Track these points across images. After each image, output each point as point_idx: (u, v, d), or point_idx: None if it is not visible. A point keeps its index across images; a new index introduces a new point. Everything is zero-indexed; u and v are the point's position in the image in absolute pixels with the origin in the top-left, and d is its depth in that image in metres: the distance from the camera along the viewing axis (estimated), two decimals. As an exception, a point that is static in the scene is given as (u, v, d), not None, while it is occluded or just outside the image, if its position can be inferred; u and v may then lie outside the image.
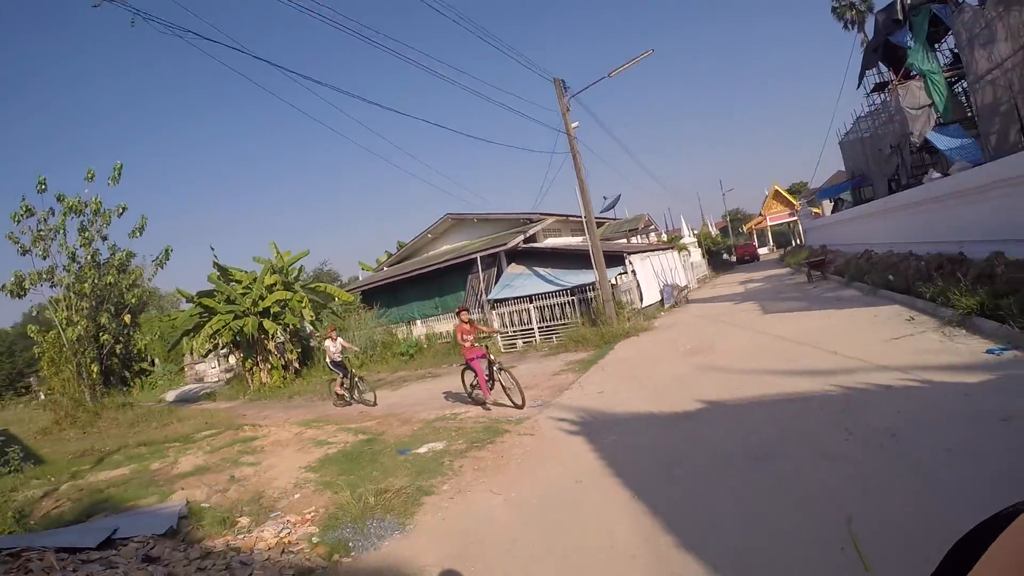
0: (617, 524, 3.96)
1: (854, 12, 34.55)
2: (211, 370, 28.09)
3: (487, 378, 8.46)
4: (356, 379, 12.07)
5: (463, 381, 9.27)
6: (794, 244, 47.85)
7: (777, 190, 53.90)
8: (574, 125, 14.58)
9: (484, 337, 11.10)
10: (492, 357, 8.52)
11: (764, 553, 3.20)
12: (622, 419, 6.62)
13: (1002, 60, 13.62)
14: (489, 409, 8.41)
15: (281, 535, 4.75)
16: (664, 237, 37.83)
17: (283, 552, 4.44)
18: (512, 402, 8.23)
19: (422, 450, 6.60)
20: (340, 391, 12.19)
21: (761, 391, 6.44)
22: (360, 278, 29.44)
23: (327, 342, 12.26)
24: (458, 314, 8.89)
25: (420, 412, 9.26)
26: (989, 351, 6.28)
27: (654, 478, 4.65)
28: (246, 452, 8.35)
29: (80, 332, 16.45)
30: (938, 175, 15.70)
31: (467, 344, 8.56)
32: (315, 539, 4.57)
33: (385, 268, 24.35)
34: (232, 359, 24.42)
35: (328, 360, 12.49)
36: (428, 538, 4.33)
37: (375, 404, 11.14)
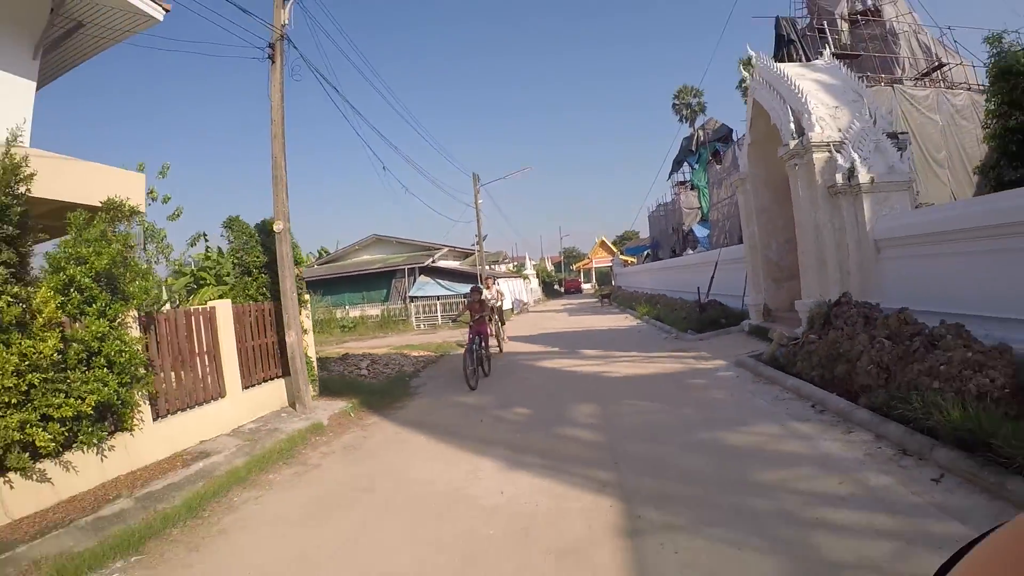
0: (540, 327, 15.56)
1: (688, 111, 43.55)
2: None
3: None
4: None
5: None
6: (611, 283, 63.53)
7: (603, 241, 70.22)
8: (480, 202, 26.39)
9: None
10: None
11: (561, 341, 14.86)
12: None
13: (720, 200, 27.39)
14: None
15: (417, 353, 15.66)
16: (512, 266, 50.82)
17: (426, 354, 15.37)
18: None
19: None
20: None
21: (559, 331, 18.56)
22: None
23: (485, 291, 14.41)
24: (473, 291, 11.68)
25: (434, 339, 20.08)
26: (639, 322, 18.92)
27: (525, 342, 16.30)
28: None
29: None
30: (691, 252, 29.51)
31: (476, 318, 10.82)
32: (436, 351, 15.57)
33: (316, 266, 33.98)
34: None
35: None
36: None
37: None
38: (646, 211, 45.83)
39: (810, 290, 9.79)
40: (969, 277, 7.15)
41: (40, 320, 5.05)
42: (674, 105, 44.54)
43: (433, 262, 29.82)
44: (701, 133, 35.49)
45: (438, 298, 28.03)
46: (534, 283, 46.91)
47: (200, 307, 7.86)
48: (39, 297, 5.11)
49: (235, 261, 9.60)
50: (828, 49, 12.93)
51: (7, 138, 5.68)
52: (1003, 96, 11.35)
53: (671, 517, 3.99)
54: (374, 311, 29.13)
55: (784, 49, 22.00)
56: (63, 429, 5.09)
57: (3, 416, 4.60)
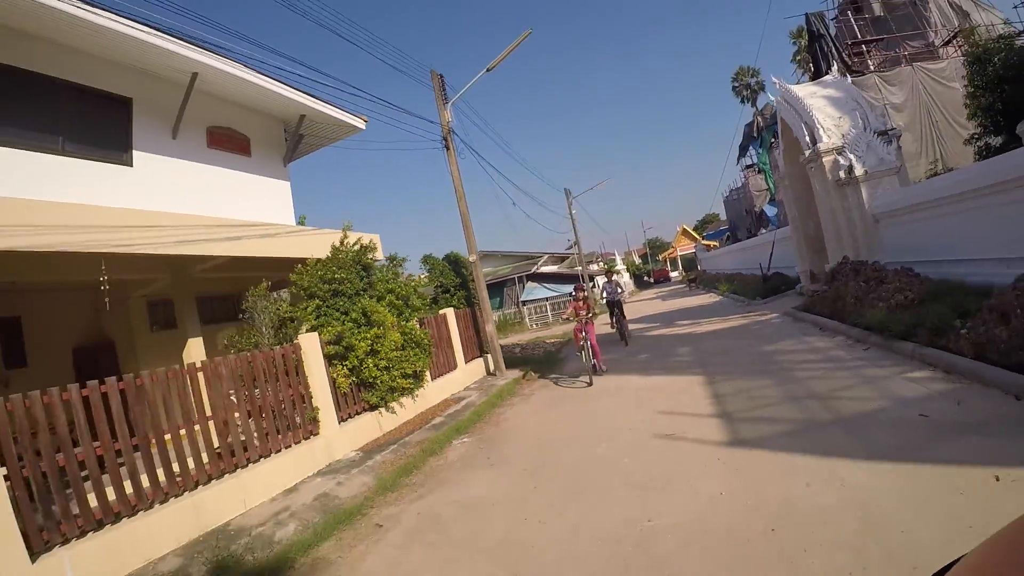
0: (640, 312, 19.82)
1: (748, 91, 44.82)
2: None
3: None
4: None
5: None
6: (697, 268, 66.39)
7: (685, 228, 73.04)
8: (573, 211, 30.80)
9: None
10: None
11: (660, 319, 19.02)
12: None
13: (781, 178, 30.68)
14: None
15: (550, 340, 20.22)
16: (602, 264, 54.98)
17: (556, 340, 19.91)
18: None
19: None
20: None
21: (657, 312, 22.60)
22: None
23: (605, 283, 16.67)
24: (576, 289, 12.66)
25: (554, 332, 24.66)
26: (720, 298, 22.72)
27: (634, 323, 20.51)
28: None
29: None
30: (764, 231, 32.82)
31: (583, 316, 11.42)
32: (562, 338, 20.09)
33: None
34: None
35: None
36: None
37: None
38: (721, 195, 48.92)
39: (833, 256, 13.56)
40: (926, 234, 10.86)
41: (388, 324, 9.86)
42: (734, 87, 45.75)
43: (537, 269, 34.50)
44: (760, 119, 38.20)
45: (547, 299, 32.66)
46: (625, 276, 50.90)
47: (440, 313, 12.66)
48: (384, 313, 9.91)
49: (436, 285, 14.46)
50: (835, 66, 16.39)
51: (344, 226, 10.63)
52: (978, 81, 14.63)
53: (728, 377, 8.26)
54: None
55: (816, 44, 24.64)
56: (407, 380, 9.89)
57: (388, 373, 9.42)
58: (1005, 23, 23.15)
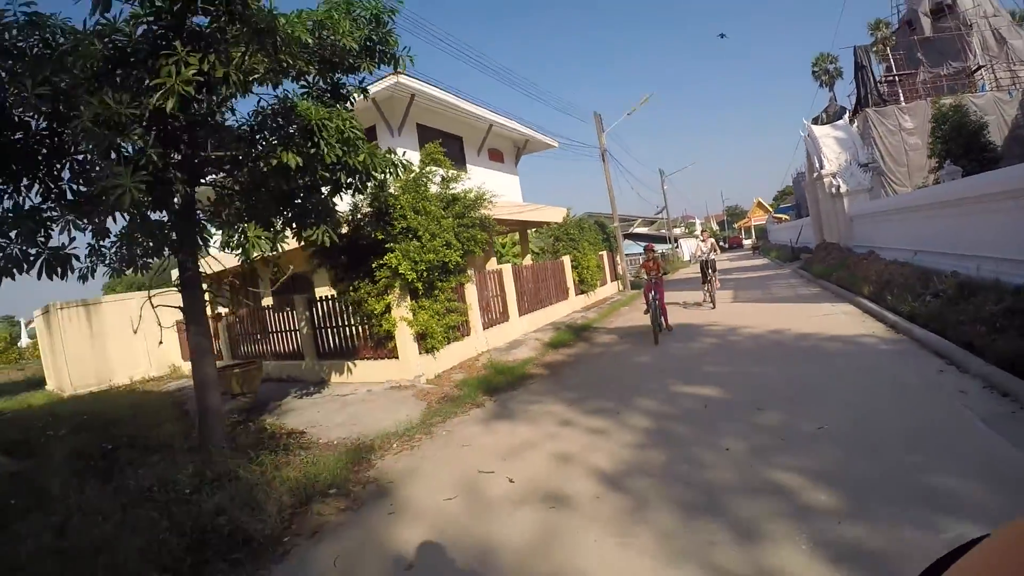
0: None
1: (827, 76, 50.06)
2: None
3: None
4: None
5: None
6: (765, 238, 74.72)
7: (759, 201, 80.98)
8: (664, 188, 40.99)
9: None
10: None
11: (722, 271, 29.45)
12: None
13: (806, 184, 39.88)
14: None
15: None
16: (683, 228, 64.65)
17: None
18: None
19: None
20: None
21: (724, 268, 32.96)
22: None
23: (701, 245, 18.68)
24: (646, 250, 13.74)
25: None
26: (768, 261, 32.86)
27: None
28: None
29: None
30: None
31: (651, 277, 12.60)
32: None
33: (550, 238, 50.82)
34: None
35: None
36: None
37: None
38: (791, 176, 57.21)
39: (828, 239, 23.75)
40: (870, 230, 20.91)
41: (591, 254, 20.97)
42: (813, 72, 50.47)
43: (632, 229, 45.02)
44: (824, 115, 46.60)
45: (639, 254, 43.25)
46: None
47: (600, 253, 23.64)
48: (589, 248, 21.04)
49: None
50: (848, 114, 25.99)
51: (568, 208, 21.81)
52: (937, 133, 23.91)
53: (744, 290, 19.13)
54: (596, 265, 45.07)
55: (859, 73, 32.51)
56: (596, 282, 21.11)
57: (592, 277, 20.63)
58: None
